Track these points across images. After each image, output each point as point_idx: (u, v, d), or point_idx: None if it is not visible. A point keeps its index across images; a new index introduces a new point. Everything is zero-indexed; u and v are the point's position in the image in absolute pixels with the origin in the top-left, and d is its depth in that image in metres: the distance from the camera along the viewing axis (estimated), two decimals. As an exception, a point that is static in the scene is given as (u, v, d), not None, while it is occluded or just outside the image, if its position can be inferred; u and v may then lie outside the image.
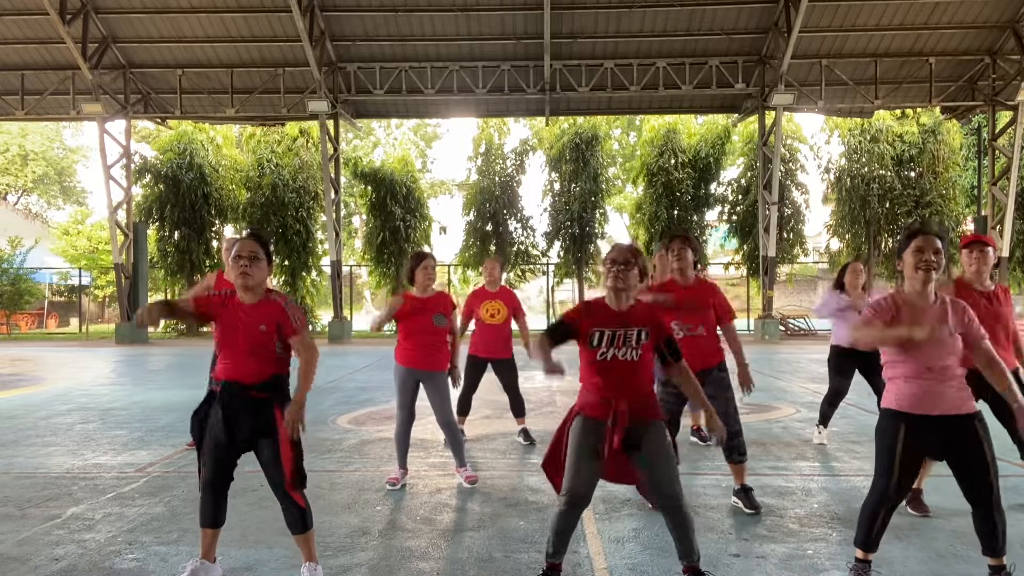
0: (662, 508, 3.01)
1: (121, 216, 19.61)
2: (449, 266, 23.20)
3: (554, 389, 9.62)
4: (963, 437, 2.89)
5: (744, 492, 4.23)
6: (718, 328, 4.34)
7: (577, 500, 2.94)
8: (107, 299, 32.09)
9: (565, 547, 3.06)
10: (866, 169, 21.05)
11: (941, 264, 2.92)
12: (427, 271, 4.79)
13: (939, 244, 2.91)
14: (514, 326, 6.31)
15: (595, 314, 3.01)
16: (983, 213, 19.47)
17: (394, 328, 4.95)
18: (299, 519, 3.08)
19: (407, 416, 4.81)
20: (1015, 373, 3.98)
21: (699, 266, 4.32)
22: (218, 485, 3.11)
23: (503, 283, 6.55)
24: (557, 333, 3.02)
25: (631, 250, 3.05)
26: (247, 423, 3.05)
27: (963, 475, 2.92)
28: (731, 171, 23.39)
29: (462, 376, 5.41)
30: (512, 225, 22.58)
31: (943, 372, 2.88)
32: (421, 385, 4.80)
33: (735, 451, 4.19)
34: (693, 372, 4.11)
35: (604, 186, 22.23)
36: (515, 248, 22.48)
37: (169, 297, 3.62)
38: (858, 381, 5.82)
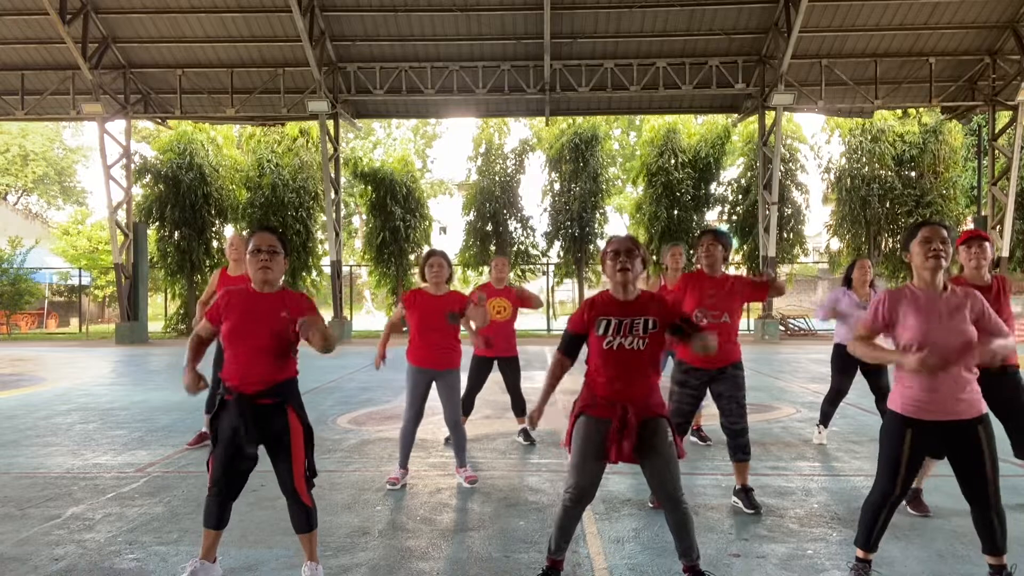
0: (662, 505, 3.02)
1: (121, 216, 19.60)
2: (449, 266, 23.17)
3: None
4: (967, 439, 2.87)
5: (744, 492, 4.23)
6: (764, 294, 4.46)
7: (582, 495, 2.96)
8: (107, 299, 32.09)
9: (567, 543, 3.08)
10: (866, 169, 21.04)
11: (949, 254, 2.90)
12: (433, 269, 4.78)
13: (945, 234, 2.90)
14: (516, 325, 6.32)
15: (600, 306, 3.04)
16: (983, 213, 19.46)
17: (405, 328, 4.94)
18: (305, 518, 3.09)
19: (415, 416, 4.80)
20: (1016, 369, 3.97)
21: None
22: (227, 485, 3.09)
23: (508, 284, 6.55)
24: (570, 346, 3.12)
25: (631, 239, 3.07)
26: (261, 429, 3.05)
27: (963, 475, 2.92)
28: (731, 171, 23.41)
29: (485, 343, 5.25)
30: (512, 225, 22.59)
31: (955, 376, 2.85)
32: (433, 385, 4.80)
33: (740, 450, 4.21)
34: (708, 366, 4.16)
35: (604, 186, 22.23)
36: (515, 248, 22.48)
37: (190, 340, 3.59)
38: (858, 380, 5.82)
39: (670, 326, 3.02)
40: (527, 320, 6.95)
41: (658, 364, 3.06)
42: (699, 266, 4.46)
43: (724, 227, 23.27)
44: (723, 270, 4.41)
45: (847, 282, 5.83)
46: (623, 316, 2.97)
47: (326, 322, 3.13)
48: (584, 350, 3.13)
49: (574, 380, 3.19)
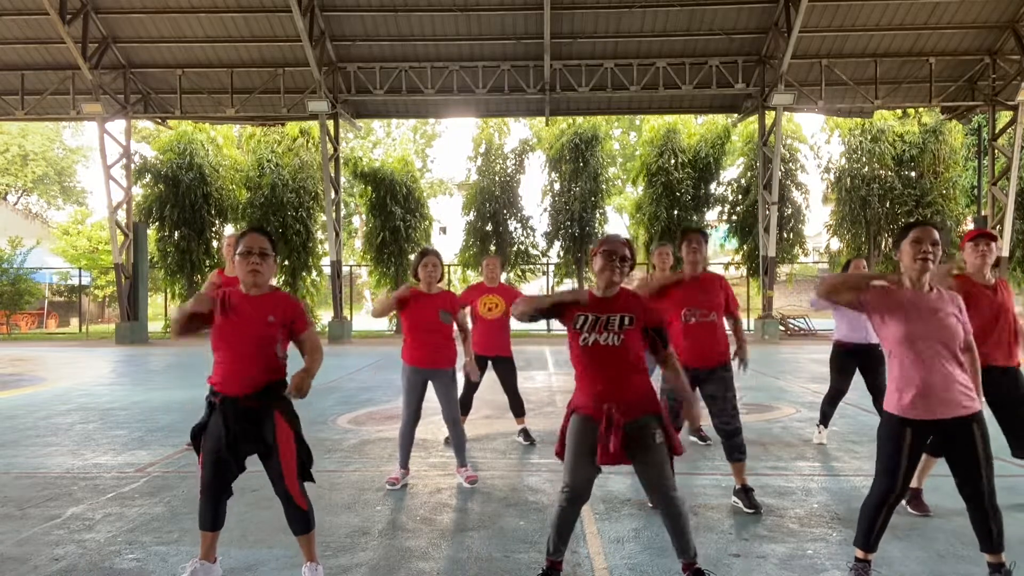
0: (656, 503, 3.02)
1: (121, 216, 19.60)
2: (449, 266, 23.20)
3: (554, 389, 9.61)
4: (961, 436, 2.90)
5: (744, 492, 4.24)
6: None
7: (577, 495, 2.96)
8: (107, 299, 32.08)
9: (566, 544, 3.07)
10: (866, 169, 21.04)
11: (938, 256, 2.94)
12: (427, 268, 4.79)
13: (937, 236, 2.93)
14: (515, 325, 6.32)
15: (582, 299, 3.06)
16: (983, 213, 19.47)
17: (395, 325, 4.96)
18: (302, 520, 3.08)
19: (412, 415, 4.80)
20: (1017, 369, 3.98)
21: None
22: (217, 488, 3.08)
23: (503, 282, 6.56)
24: (549, 308, 3.08)
25: (628, 244, 3.09)
26: (248, 433, 3.04)
27: (958, 472, 2.95)
28: (731, 171, 23.40)
29: (477, 368, 5.30)
30: (512, 225, 22.59)
31: (946, 374, 2.87)
32: (429, 384, 4.80)
33: (735, 449, 4.23)
34: (698, 366, 4.15)
35: (604, 186, 22.23)
36: (515, 248, 22.48)
37: (188, 308, 3.58)
38: (858, 380, 5.82)
39: (645, 330, 3.03)
40: (526, 320, 6.89)
41: (642, 362, 3.03)
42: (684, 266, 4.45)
43: (723, 227, 23.31)
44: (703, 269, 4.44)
45: None
46: (599, 312, 2.98)
47: (311, 362, 3.11)
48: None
49: (571, 381, 3.19)
